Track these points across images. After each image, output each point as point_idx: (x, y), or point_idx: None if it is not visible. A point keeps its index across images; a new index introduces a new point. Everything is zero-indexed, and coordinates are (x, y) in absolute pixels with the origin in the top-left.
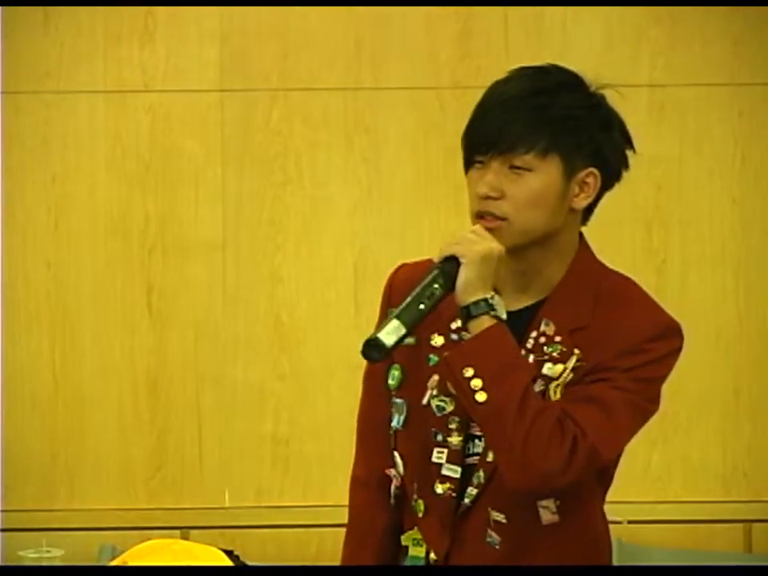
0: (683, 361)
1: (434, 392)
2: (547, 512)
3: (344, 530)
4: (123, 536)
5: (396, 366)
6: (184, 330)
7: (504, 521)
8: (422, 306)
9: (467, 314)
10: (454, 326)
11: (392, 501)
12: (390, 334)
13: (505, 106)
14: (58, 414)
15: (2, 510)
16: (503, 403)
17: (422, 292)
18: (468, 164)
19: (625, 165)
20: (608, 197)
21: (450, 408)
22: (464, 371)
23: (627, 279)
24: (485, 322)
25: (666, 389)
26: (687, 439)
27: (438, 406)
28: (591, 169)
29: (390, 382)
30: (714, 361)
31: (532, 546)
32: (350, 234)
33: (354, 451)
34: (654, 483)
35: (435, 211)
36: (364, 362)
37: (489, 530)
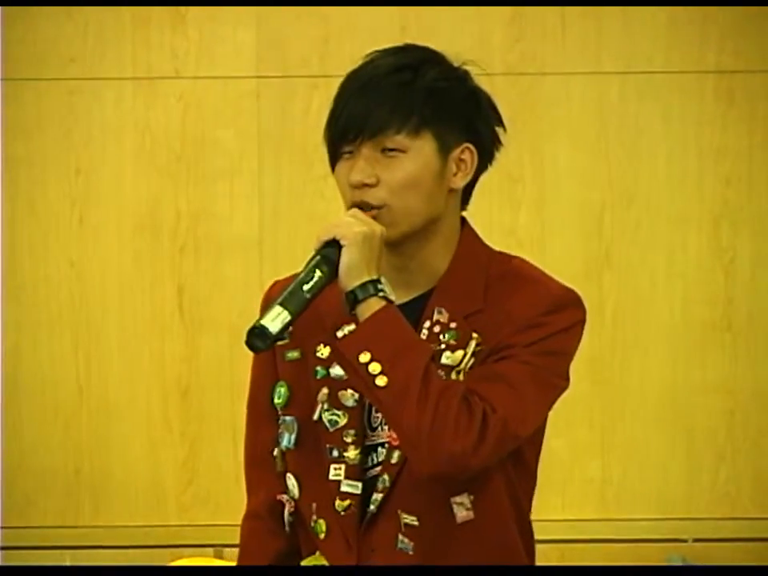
0: (751, 367)
1: (325, 406)
2: (462, 508)
3: None
4: (152, 554)
5: (281, 383)
6: (218, 334)
7: (416, 523)
8: (305, 293)
9: (354, 298)
10: (339, 334)
11: (287, 528)
12: (275, 320)
13: (368, 88)
14: (83, 423)
15: (24, 527)
16: (405, 384)
17: (304, 278)
18: (334, 158)
19: (498, 142)
20: (673, 192)
21: (343, 421)
22: (360, 356)
23: (517, 258)
24: (374, 305)
25: (736, 396)
26: (757, 451)
27: (330, 420)
28: (466, 144)
29: (277, 400)
30: None
31: (446, 548)
32: None
33: None
34: (722, 498)
35: (488, 204)
36: None
37: (400, 536)
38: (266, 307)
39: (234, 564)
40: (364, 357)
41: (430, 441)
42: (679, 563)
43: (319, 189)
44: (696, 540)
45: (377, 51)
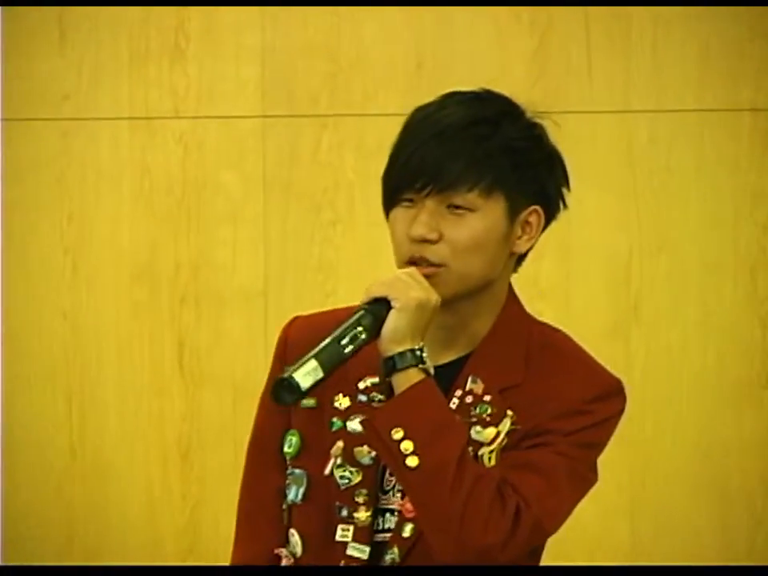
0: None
1: (338, 461)
2: None
3: None
4: None
5: (293, 431)
6: (221, 391)
7: None
8: (343, 349)
9: (392, 365)
10: (362, 385)
11: None
12: (307, 375)
13: (442, 137)
14: (76, 486)
15: None
16: (438, 468)
17: (344, 333)
18: (392, 202)
19: (563, 203)
20: (706, 238)
21: (356, 479)
22: (393, 433)
23: (560, 332)
24: (413, 376)
25: None
26: None
27: (342, 476)
28: (534, 207)
29: (287, 449)
30: None
31: None
32: None
33: None
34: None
35: None
36: None
37: None
38: (284, 347)
39: None
40: (397, 433)
41: (459, 531)
42: None
43: (328, 236)
44: None
45: (450, 94)
